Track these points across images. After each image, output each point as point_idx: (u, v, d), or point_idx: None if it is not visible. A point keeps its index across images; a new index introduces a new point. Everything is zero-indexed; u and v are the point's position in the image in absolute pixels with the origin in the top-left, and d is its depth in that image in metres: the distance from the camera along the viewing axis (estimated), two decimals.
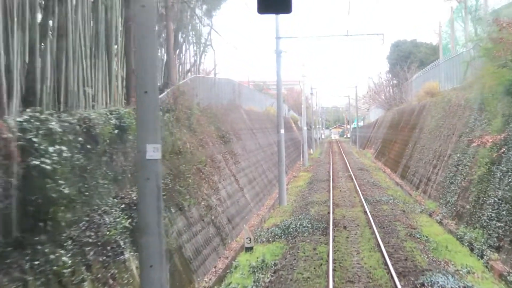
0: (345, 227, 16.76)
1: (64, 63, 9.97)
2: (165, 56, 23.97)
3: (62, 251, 7.30)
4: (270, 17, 26.10)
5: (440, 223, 17.23)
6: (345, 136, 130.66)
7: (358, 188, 26.25)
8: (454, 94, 24.10)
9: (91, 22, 11.68)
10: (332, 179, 31.09)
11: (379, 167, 39.88)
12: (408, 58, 50.82)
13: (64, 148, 7.42)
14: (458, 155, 19.04)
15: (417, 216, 18.74)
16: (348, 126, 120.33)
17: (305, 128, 43.93)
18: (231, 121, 26.18)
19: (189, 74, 28.57)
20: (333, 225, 16.82)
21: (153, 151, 6.28)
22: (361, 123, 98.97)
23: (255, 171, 27.06)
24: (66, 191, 7.21)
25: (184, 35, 28.63)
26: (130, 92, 12.67)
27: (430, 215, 18.77)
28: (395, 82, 55.59)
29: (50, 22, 9.93)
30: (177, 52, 27.79)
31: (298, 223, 17.32)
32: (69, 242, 7.68)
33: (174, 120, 15.71)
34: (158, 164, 6.38)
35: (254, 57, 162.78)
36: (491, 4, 25.68)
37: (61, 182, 7.20)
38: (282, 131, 25.79)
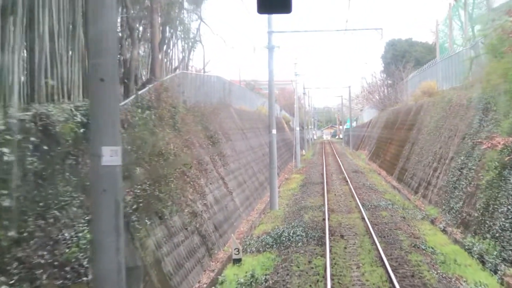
0: (342, 236, 15.44)
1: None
2: (150, 52, 22.54)
3: (2, 278, 5.91)
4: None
5: (444, 231, 15.98)
6: (337, 137, 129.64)
7: (354, 191, 24.97)
8: (455, 94, 22.90)
9: None
10: (326, 181, 29.81)
11: (374, 169, 38.70)
12: (404, 57, 49.75)
13: (5, 150, 6.01)
14: (462, 158, 17.81)
15: (418, 223, 17.47)
16: (341, 127, 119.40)
17: (297, 128, 42.64)
18: (221, 120, 24.80)
19: (177, 71, 27.14)
20: (329, 233, 15.49)
21: (111, 155, 4.89)
22: (354, 124, 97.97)
23: (245, 174, 25.72)
24: (6, 203, 5.81)
25: (172, 30, 27.17)
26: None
27: (432, 222, 17.52)
28: (389, 82, 54.54)
29: None
30: (164, 48, 26.37)
31: (291, 231, 15.99)
32: (14, 265, 6.29)
33: (156, 118, 14.32)
34: (117, 171, 5.00)
35: (245, 54, 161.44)
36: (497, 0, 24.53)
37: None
38: (274, 131, 24.48)
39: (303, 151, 60.98)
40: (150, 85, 15.63)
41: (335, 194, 25.20)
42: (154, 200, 11.65)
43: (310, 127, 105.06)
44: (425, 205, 20.33)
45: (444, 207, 17.78)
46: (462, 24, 35.27)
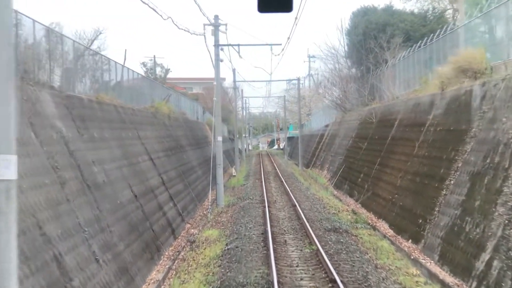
0: None
1: None
2: None
3: None
4: None
5: None
6: (276, 147, 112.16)
7: None
8: None
9: None
10: (277, 272, 11.45)
11: (360, 212, 20.87)
12: (383, 32, 32.66)
13: None
14: None
15: None
16: (281, 135, 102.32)
17: (219, 138, 24.10)
18: None
19: None
20: None
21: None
22: (296, 132, 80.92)
23: None
24: None
25: None
26: None
27: None
28: (355, 70, 37.32)
29: None
30: None
31: None
32: None
33: None
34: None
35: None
36: None
37: None
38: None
39: (233, 170, 42.42)
40: None
41: None
42: None
43: (245, 135, 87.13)
44: None
45: None
46: None
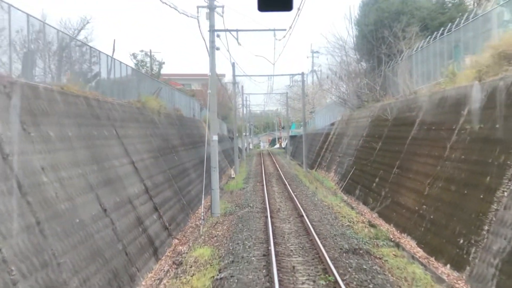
0: None
1: None
2: None
3: None
4: None
5: None
6: (278, 146, 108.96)
7: None
8: None
9: None
10: None
11: (378, 224, 17.81)
12: (397, 20, 29.52)
13: None
14: None
15: None
16: (283, 134, 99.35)
17: (215, 137, 20.98)
18: None
19: None
20: None
21: None
22: (299, 131, 77.87)
23: None
24: None
25: None
26: None
27: None
28: (369, 64, 34.25)
29: None
30: None
31: None
32: None
33: None
34: None
35: None
36: None
37: None
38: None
39: (232, 171, 39.34)
40: None
41: None
42: None
43: (245, 134, 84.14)
44: None
45: None
46: None
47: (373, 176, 23.13)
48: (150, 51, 44.81)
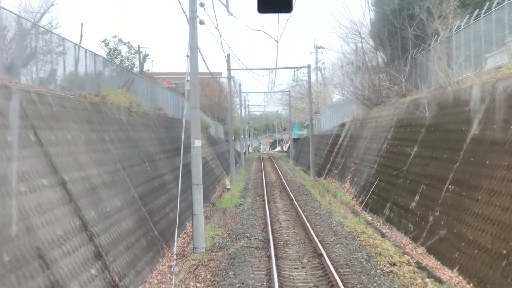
0: None
1: None
2: None
3: None
4: None
5: None
6: (279, 149, 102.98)
7: None
8: None
9: None
10: None
11: (431, 267, 12.13)
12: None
13: None
14: None
15: None
16: (284, 136, 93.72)
17: (197, 143, 15.26)
18: None
19: None
20: None
21: None
22: (303, 133, 72.30)
23: None
24: None
25: None
26: None
27: None
28: (390, 50, 28.49)
29: None
30: None
31: None
32: None
33: None
34: None
35: None
36: None
37: None
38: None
39: (227, 181, 33.59)
40: None
41: None
42: None
43: (244, 137, 78.65)
44: None
45: None
46: None
47: (411, 192, 17.41)
48: (139, 46, 39.26)
